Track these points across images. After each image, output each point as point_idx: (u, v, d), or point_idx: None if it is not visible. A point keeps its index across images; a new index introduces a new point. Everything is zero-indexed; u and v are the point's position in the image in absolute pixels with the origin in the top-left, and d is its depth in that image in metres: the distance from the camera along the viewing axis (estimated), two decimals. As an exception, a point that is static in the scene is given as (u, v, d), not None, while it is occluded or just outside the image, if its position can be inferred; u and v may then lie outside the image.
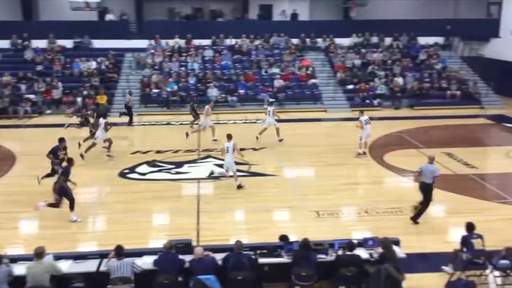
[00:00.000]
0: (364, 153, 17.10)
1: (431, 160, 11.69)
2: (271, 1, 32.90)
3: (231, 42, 29.89)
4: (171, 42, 29.42)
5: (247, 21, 31.99)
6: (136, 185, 14.84)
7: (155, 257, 8.61)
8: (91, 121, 18.98)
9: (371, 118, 17.51)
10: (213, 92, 25.41)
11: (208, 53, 28.99)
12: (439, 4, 32.60)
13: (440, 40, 30.63)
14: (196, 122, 21.06)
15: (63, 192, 11.78)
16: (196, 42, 29.61)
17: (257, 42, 29.90)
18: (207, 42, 29.78)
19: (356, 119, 17.47)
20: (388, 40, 30.37)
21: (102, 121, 17.01)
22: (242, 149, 18.04)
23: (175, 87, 25.68)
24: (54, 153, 13.46)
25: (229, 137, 14.24)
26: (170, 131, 19.99)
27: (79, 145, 17.37)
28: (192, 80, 26.78)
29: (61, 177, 11.84)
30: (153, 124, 23.09)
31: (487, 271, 9.17)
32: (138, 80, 26.85)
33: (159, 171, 16.01)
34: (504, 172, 15.75)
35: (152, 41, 29.39)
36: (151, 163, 16.72)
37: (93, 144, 16.91)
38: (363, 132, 16.89)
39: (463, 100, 26.12)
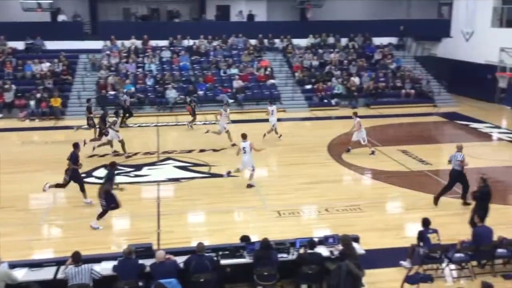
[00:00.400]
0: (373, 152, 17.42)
1: (459, 148, 12.83)
2: (228, 2, 32.88)
3: (189, 43, 29.68)
4: (127, 43, 28.95)
5: (204, 22, 31.86)
6: (93, 189, 14.41)
7: (114, 262, 8.44)
8: (96, 123, 19.00)
9: (329, 118, 17.76)
10: (171, 94, 25.15)
11: (166, 54, 28.69)
12: (392, 5, 33.41)
13: (394, 40, 31.39)
14: (195, 123, 21.42)
15: (109, 198, 11.53)
16: (153, 43, 29.24)
17: (215, 43, 29.81)
18: (164, 43, 29.47)
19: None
20: (344, 41, 30.89)
21: (114, 119, 17.48)
22: (202, 151, 18.06)
23: (133, 89, 25.27)
24: (75, 159, 13.06)
25: (244, 136, 14.33)
26: (128, 133, 19.61)
27: (93, 149, 17.42)
28: (149, 82, 26.43)
29: (107, 181, 11.60)
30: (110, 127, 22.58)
31: (444, 265, 9.46)
32: (94, 82, 26.28)
33: (118, 174, 15.64)
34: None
35: (108, 42, 28.83)
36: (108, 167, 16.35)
37: (108, 142, 17.33)
38: (362, 133, 17.17)
39: (417, 99, 26.86)
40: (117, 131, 17.43)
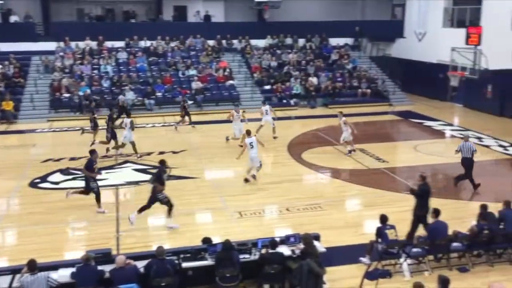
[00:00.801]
0: (354, 150, 17.65)
1: (467, 138, 14.13)
2: (185, 3, 32.62)
3: (146, 44, 29.28)
4: (81, 44, 28.29)
5: (161, 23, 31.48)
6: (49, 195, 14.09)
7: (72, 269, 8.23)
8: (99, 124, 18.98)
9: (288, 118, 17.91)
10: (129, 95, 24.73)
11: (122, 55, 28.20)
12: (347, 7, 34.00)
13: (350, 41, 31.94)
14: (187, 123, 21.35)
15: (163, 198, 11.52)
16: (109, 44, 28.68)
17: (173, 44, 29.53)
18: (120, 44, 28.95)
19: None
20: (301, 41, 31.21)
21: (127, 120, 17.26)
22: (161, 153, 17.85)
23: (88, 91, 24.70)
24: (90, 166, 12.60)
25: (249, 133, 14.81)
26: (84, 136, 19.13)
27: (107, 150, 17.40)
28: (106, 84, 25.92)
29: (157, 180, 11.47)
30: (65, 130, 22.04)
31: (401, 260, 9.68)
32: (47, 84, 25.54)
33: (74, 179, 15.32)
34: (412, 165, 16.72)
35: (61, 43, 28.10)
36: (64, 171, 15.96)
37: (123, 145, 17.31)
38: (348, 132, 17.28)
39: (373, 98, 27.44)
40: (132, 129, 17.33)
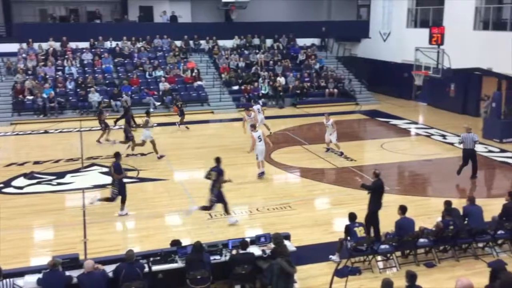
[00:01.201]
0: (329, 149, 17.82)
1: (469, 130, 14.64)
2: (151, 3, 32.28)
3: (112, 44, 28.84)
4: (44, 45, 27.63)
5: (127, 23, 31.06)
6: (13, 200, 13.71)
7: (39, 275, 8.04)
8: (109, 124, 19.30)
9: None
10: (94, 97, 24.30)
11: (87, 57, 27.68)
12: (314, 7, 34.29)
13: (316, 41, 32.24)
14: (183, 122, 21.39)
15: (219, 195, 11.62)
16: (73, 45, 28.11)
17: (139, 45, 29.18)
18: (85, 44, 28.42)
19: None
20: (269, 42, 31.32)
21: (145, 119, 17.39)
22: (129, 155, 17.60)
23: (52, 93, 24.15)
24: (118, 169, 12.31)
25: (254, 126, 15.57)
26: (48, 139, 18.73)
27: (132, 149, 17.57)
28: (70, 85, 25.38)
29: (219, 177, 11.59)
30: (29, 133, 21.51)
31: (370, 257, 9.83)
32: (10, 86, 24.84)
33: (39, 183, 14.96)
34: (379, 162, 16.96)
35: (24, 45, 27.36)
36: (29, 175, 15.56)
37: (143, 142, 17.33)
38: (334, 134, 17.40)
39: (340, 98, 27.75)
40: (151, 126, 17.50)
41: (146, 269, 8.50)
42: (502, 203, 10.78)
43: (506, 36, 21.53)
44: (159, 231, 11.55)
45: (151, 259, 8.80)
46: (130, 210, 12.74)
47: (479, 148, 17.52)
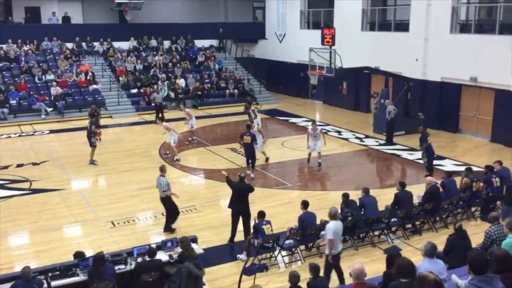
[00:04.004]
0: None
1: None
2: (38, 3, 30.39)
3: (-5, 48, 26.79)
4: None
5: (12, 25, 28.97)
6: None
7: None
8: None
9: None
10: (-23, 105, 22.42)
11: (-33, 61, 25.50)
12: (211, 9, 34.39)
13: (215, 42, 32.38)
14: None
15: None
16: (-50, 48, 25.73)
17: (26, 48, 27.38)
18: (-36, 48, 26.16)
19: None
20: (167, 43, 30.89)
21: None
22: (20, 165, 16.47)
23: None
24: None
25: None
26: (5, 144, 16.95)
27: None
28: (-51, 92, 23.21)
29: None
30: None
31: (276, 252, 10.07)
32: None
33: None
34: (281, 160, 17.46)
35: None
36: None
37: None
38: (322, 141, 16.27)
39: (241, 98, 28.01)
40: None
41: (45, 286, 8.01)
42: (394, 193, 11.57)
43: (390, 36, 23.18)
44: (58, 244, 10.93)
45: (50, 274, 8.29)
46: (23, 224, 11.92)
47: (370, 142, 18.64)
